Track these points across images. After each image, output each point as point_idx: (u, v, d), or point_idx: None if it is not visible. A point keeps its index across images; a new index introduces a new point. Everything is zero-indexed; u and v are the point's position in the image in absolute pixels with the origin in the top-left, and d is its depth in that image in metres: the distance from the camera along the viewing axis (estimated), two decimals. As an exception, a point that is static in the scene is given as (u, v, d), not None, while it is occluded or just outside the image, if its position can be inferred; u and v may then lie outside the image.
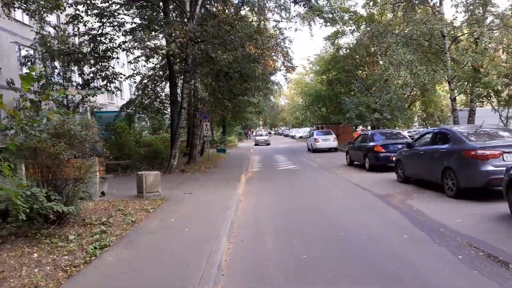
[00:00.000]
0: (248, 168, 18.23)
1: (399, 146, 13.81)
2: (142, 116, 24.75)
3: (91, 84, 16.76)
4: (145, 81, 21.68)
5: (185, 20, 14.50)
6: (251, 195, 10.66)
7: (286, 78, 16.79)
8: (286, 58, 15.00)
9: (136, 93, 20.27)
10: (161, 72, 21.43)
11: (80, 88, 16.14)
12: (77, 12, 14.49)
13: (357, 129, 40.15)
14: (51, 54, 14.99)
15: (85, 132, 6.76)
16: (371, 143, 14.99)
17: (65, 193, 6.62)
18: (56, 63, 16.85)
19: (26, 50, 16.39)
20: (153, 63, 18.36)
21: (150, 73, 22.05)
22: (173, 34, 12.80)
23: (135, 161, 16.71)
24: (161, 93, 22.26)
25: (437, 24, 19.84)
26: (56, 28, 15.50)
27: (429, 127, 32.56)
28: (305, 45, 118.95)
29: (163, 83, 21.89)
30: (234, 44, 13.83)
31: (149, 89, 21.29)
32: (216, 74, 16.72)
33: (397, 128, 30.79)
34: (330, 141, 27.79)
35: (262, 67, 15.92)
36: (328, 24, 18.02)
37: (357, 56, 29.84)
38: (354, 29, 30.31)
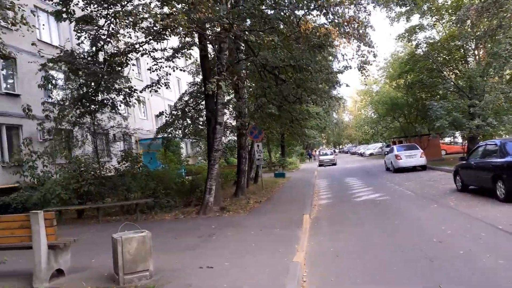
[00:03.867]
0: (313, 200, 13.39)
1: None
2: (183, 139, 21.13)
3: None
4: (186, 98, 18.07)
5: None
6: (322, 263, 5.93)
7: (363, 71, 11.82)
8: (365, 41, 10.15)
9: (174, 112, 16.55)
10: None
11: (96, 109, 12.64)
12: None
13: (445, 141, 33.41)
14: (71, 70, 11.70)
15: None
16: (509, 158, 9.46)
17: None
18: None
19: (46, 71, 13.64)
20: (184, 68, 14.39)
21: (190, 89, 18.44)
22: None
23: (163, 198, 12.74)
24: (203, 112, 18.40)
25: None
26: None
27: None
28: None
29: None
30: (283, 21, 9.43)
31: (190, 107, 17.52)
32: (261, 71, 12.40)
33: (505, 136, 24.07)
34: (417, 157, 21.96)
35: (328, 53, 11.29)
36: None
37: (444, 52, 23.87)
38: (434, 21, 24.71)
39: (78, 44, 10.76)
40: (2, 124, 14.97)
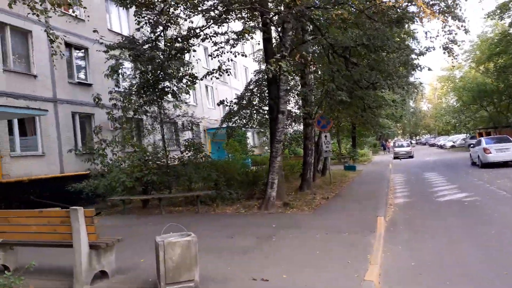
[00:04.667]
0: (388, 198, 11.97)
1: None
2: (248, 129, 20.56)
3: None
4: (251, 87, 17.42)
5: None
6: (401, 282, 4.82)
7: (450, 52, 10.05)
8: (454, 14, 8.43)
9: (235, 100, 15.97)
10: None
11: (157, 98, 12.42)
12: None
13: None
14: (132, 57, 11.64)
15: None
16: None
17: None
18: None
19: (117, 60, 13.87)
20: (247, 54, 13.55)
21: (255, 77, 17.73)
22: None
23: (225, 189, 12.23)
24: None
25: None
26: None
27: None
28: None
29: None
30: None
31: (255, 95, 16.82)
32: (329, 53, 11.17)
33: None
34: (509, 151, 19.13)
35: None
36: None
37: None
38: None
39: (138, 30, 10.48)
40: (75, 113, 15.57)
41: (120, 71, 13.66)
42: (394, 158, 35.42)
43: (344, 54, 11.70)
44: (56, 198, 13.28)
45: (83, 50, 16.46)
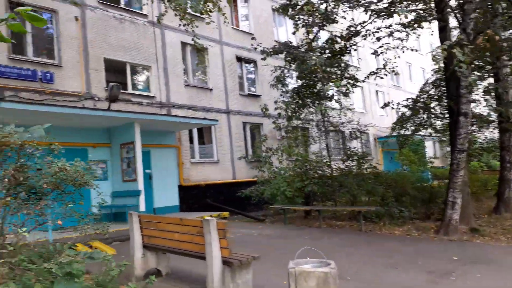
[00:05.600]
0: None
1: None
2: (426, 138, 17.89)
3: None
4: (427, 88, 15.07)
5: None
6: None
7: None
8: None
9: (404, 103, 13.94)
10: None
11: (312, 103, 11.88)
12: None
13: None
14: (288, 62, 11.63)
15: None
16: None
17: None
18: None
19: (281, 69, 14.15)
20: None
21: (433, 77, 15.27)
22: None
23: (394, 206, 10.62)
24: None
25: None
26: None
27: None
28: None
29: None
30: None
31: (432, 99, 14.39)
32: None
33: None
34: None
35: None
36: None
37: None
38: None
39: (294, 33, 10.16)
40: (246, 123, 16.48)
41: (284, 79, 13.78)
42: None
43: None
44: (229, 202, 14.20)
45: (252, 64, 17.37)
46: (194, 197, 13.70)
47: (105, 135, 11.70)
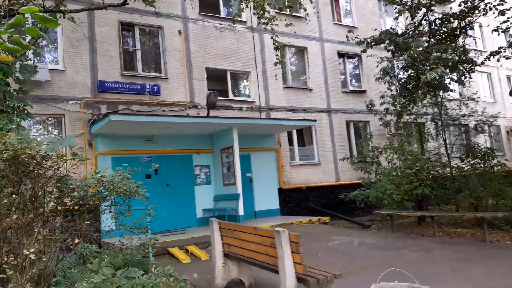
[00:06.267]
0: None
1: None
2: None
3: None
4: None
5: None
6: None
7: None
8: None
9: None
10: None
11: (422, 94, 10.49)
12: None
13: None
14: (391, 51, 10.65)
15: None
16: None
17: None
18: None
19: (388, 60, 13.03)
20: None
21: None
22: None
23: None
24: None
25: None
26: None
27: None
28: None
29: None
30: None
31: None
32: None
33: None
34: None
35: None
36: None
37: None
38: None
39: (396, 18, 9.08)
40: (350, 121, 15.58)
41: (392, 71, 12.66)
42: None
43: None
44: (332, 206, 13.59)
45: (356, 58, 16.37)
46: (294, 200, 13.44)
47: (208, 141, 12.23)
